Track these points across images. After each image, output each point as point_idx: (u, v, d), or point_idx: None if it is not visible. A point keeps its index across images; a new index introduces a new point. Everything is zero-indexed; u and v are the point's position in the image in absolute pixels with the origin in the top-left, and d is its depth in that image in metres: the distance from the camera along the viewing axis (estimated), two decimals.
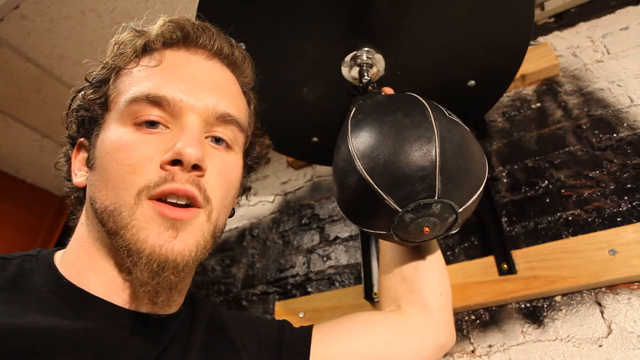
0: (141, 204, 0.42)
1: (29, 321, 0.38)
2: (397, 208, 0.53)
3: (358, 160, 0.55)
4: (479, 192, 0.56)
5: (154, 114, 0.46)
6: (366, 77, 0.73)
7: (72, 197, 0.53)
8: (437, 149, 0.52)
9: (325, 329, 0.61)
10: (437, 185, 0.51)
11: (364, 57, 0.74)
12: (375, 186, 0.53)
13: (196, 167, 0.44)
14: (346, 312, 0.67)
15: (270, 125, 0.64)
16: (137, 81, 0.48)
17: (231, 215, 0.55)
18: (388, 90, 0.71)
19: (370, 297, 0.95)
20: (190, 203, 0.44)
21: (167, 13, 0.53)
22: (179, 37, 0.51)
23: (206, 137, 0.49)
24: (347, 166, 0.56)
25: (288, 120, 0.91)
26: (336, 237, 1.21)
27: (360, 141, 0.56)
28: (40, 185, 1.90)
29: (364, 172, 0.54)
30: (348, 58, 0.75)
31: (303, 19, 0.70)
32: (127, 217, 0.42)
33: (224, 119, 0.50)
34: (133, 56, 0.50)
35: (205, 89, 0.49)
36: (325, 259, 1.20)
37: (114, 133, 0.46)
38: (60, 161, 0.54)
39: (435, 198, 0.52)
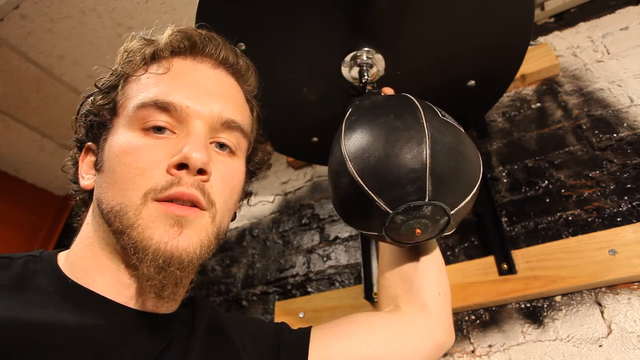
0: (147, 205, 0.43)
1: (33, 316, 0.38)
2: (388, 210, 0.53)
3: (350, 162, 0.55)
4: (472, 193, 0.56)
5: (161, 119, 0.47)
6: (366, 77, 0.73)
7: (78, 198, 0.54)
8: (428, 151, 0.52)
9: (323, 330, 0.62)
10: (427, 187, 0.51)
11: (364, 57, 0.74)
12: (366, 188, 0.53)
13: (201, 171, 0.45)
14: (346, 312, 0.67)
15: (270, 125, 0.65)
16: (145, 87, 0.49)
17: (233, 219, 0.56)
18: (388, 91, 0.71)
19: (370, 297, 0.95)
20: (194, 206, 0.45)
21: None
22: (187, 46, 0.53)
23: (211, 143, 0.50)
24: (340, 167, 0.57)
25: (288, 120, 0.92)
26: (336, 237, 1.21)
27: (352, 143, 0.56)
28: (40, 185, 1.90)
29: (355, 173, 0.54)
30: (348, 58, 0.75)
31: (303, 19, 0.70)
32: (133, 217, 0.43)
33: (229, 125, 0.51)
34: (142, 64, 0.51)
35: (211, 96, 0.51)
36: (325, 259, 1.20)
37: (122, 137, 0.47)
38: (67, 164, 0.56)
39: (426, 200, 0.52)
